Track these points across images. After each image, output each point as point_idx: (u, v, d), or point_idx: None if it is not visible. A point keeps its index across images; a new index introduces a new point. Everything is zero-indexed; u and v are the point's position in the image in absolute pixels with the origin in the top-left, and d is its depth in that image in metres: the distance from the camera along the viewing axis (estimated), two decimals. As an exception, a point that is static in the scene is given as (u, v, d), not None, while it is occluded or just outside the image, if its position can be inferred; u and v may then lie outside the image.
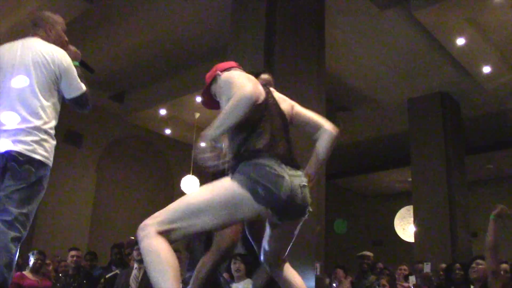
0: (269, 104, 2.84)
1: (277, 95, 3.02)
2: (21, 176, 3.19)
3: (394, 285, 7.37)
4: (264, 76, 3.49)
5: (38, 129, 3.29)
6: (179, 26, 9.50)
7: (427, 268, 6.85)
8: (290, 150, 2.80)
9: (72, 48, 3.74)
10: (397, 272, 7.82)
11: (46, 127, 3.33)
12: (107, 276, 7.60)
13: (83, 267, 8.36)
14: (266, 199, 2.53)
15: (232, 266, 6.03)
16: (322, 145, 3.06)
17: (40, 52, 3.44)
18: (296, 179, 2.62)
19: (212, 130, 2.59)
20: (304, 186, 2.65)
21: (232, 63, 3.10)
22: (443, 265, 7.33)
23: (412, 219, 12.44)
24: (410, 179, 12.37)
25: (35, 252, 7.39)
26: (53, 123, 3.40)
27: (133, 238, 8.52)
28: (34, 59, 3.41)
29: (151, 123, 13.07)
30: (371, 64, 10.55)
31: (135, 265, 6.87)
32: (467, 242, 11.05)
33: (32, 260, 7.24)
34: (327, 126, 3.09)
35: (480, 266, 5.36)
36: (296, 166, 2.71)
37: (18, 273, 7.34)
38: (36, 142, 3.27)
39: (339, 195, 16.49)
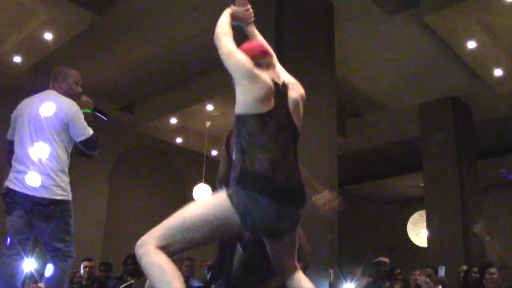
0: (278, 114, 2.78)
1: (294, 101, 2.93)
2: (51, 216, 3.84)
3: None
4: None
5: (55, 173, 3.89)
6: (188, 36, 9.52)
7: (441, 272, 6.80)
8: (293, 175, 2.74)
9: (84, 98, 4.27)
10: (411, 278, 7.76)
11: (61, 167, 3.93)
12: (121, 287, 7.61)
13: (97, 278, 8.38)
14: (251, 228, 2.58)
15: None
16: None
17: (51, 103, 4.03)
18: (292, 208, 2.66)
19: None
20: (296, 208, 2.69)
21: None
22: (464, 267, 7.28)
23: (425, 224, 12.38)
24: (422, 185, 12.32)
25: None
26: (66, 164, 3.98)
27: None
28: (45, 111, 4.01)
29: (161, 133, 13.08)
30: (381, 70, 10.52)
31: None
32: (481, 247, 10.97)
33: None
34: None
35: (494, 276, 5.38)
36: (297, 194, 2.70)
37: (34, 285, 7.35)
38: (55, 185, 3.87)
39: (351, 202, 16.42)
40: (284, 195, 2.62)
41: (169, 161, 13.99)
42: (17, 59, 10.07)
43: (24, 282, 7.38)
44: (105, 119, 4.46)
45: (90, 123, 4.06)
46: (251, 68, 2.73)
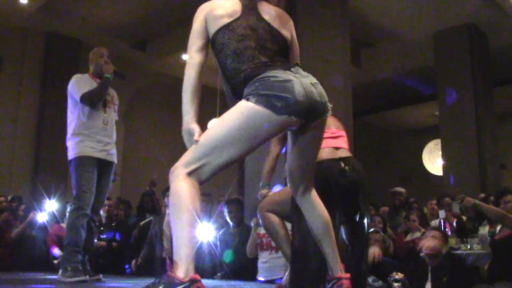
0: (250, 19, 2.78)
1: (272, 11, 2.89)
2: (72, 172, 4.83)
3: (424, 219, 7.38)
4: None
5: (68, 138, 4.88)
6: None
7: (455, 208, 6.84)
8: (287, 59, 2.79)
9: (106, 66, 5.01)
10: (427, 207, 7.81)
11: (69, 134, 4.85)
12: (141, 224, 7.76)
13: (116, 216, 8.54)
14: (285, 108, 2.47)
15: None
16: None
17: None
18: (304, 79, 2.57)
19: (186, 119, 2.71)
20: (315, 83, 2.60)
21: None
22: (482, 195, 7.32)
23: (440, 152, 12.42)
24: (437, 113, 12.27)
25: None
26: (73, 128, 4.83)
27: (155, 177, 8.67)
28: None
29: (174, 69, 13.03)
30: (395, -2, 10.34)
31: (167, 211, 6.97)
32: (496, 174, 11.02)
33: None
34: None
35: (509, 204, 5.44)
36: (298, 68, 2.64)
37: (57, 225, 7.54)
38: (69, 146, 4.85)
39: (367, 132, 16.45)
40: (286, 66, 2.63)
41: (174, 103, 13.98)
42: (23, 0, 10.00)
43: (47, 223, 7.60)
44: (123, 79, 5.20)
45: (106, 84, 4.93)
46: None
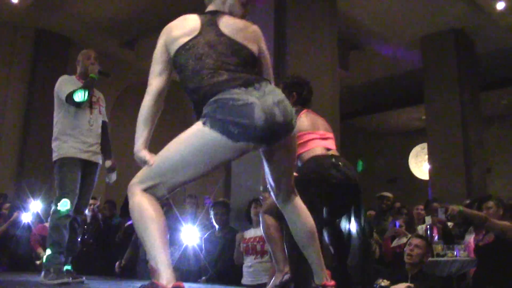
0: (208, 36, 2.68)
1: (234, 24, 2.77)
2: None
3: (412, 225, 7.38)
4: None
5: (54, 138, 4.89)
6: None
7: (440, 213, 6.86)
8: (252, 73, 2.65)
9: (91, 66, 5.03)
10: (414, 212, 7.81)
11: (54, 135, 4.88)
12: (126, 225, 7.72)
13: (103, 215, 8.50)
14: (242, 134, 2.39)
15: (252, 211, 6.08)
16: None
17: None
18: (268, 97, 2.44)
19: (136, 147, 2.72)
20: (280, 101, 2.47)
21: None
22: (467, 201, 7.34)
23: (426, 156, 12.45)
24: (424, 117, 12.32)
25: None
26: (58, 129, 4.86)
27: None
28: None
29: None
30: (383, 2, 10.36)
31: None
32: (482, 178, 11.07)
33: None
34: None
35: (491, 210, 5.49)
36: (262, 83, 2.53)
37: (41, 225, 7.50)
38: (54, 147, 4.85)
39: (354, 135, 16.49)
40: (248, 81, 2.52)
41: (173, 98, 13.87)
42: (15, -3, 9.96)
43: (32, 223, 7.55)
44: (108, 77, 5.29)
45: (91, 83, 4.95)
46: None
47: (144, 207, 2.43)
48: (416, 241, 4.92)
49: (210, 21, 2.75)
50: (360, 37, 11.84)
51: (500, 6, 9.82)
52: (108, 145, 5.25)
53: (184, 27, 2.74)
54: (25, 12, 10.61)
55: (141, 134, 2.74)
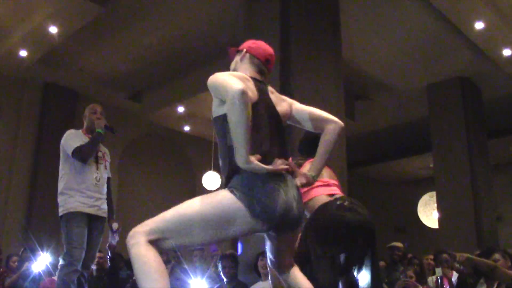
0: (262, 105, 2.70)
1: (275, 95, 2.89)
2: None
3: (423, 275, 7.26)
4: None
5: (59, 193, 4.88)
6: (193, 24, 9.50)
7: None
8: (285, 155, 2.72)
9: (97, 121, 5.04)
10: (424, 263, 7.69)
11: (60, 190, 4.86)
12: (134, 278, 7.63)
13: (112, 267, 8.42)
14: (262, 215, 2.46)
15: (259, 264, 6.01)
16: (330, 138, 2.86)
17: None
18: (290, 190, 2.57)
19: (238, 155, 2.46)
20: (299, 198, 2.62)
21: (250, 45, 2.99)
22: (477, 252, 7.23)
23: (435, 205, 12.35)
24: (432, 165, 12.28)
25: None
26: (64, 184, 4.85)
27: None
28: None
29: (169, 121, 13.10)
30: (388, 51, 10.45)
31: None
32: (492, 226, 10.95)
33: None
34: (334, 118, 2.91)
35: (498, 263, 5.42)
36: (287, 176, 2.63)
37: (49, 278, 7.43)
38: (60, 201, 4.83)
39: (361, 184, 16.40)
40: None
41: (178, 149, 14.01)
42: (23, 53, 10.14)
43: (39, 276, 7.50)
44: (114, 133, 5.24)
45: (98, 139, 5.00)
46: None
47: (151, 260, 2.38)
48: None
49: (263, 88, 2.80)
50: (365, 86, 11.91)
51: (507, 53, 9.87)
52: (111, 204, 5.24)
53: (249, 87, 2.65)
54: (33, 66, 10.75)
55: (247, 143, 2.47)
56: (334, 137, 2.86)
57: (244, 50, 2.96)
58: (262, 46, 2.99)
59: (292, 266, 2.93)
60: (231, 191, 2.49)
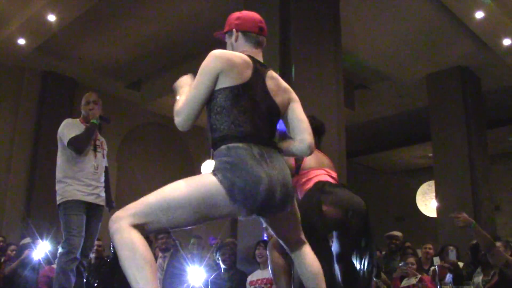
0: (253, 88, 2.65)
1: (275, 82, 2.79)
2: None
3: (420, 264, 7.26)
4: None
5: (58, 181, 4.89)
6: (193, 13, 9.45)
7: (452, 255, 6.75)
8: (272, 137, 2.68)
9: (91, 112, 5.03)
10: (422, 251, 7.68)
11: (58, 178, 4.88)
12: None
13: (107, 257, 8.42)
14: (242, 201, 2.42)
15: (256, 252, 6.03)
16: (287, 150, 2.81)
17: None
18: (274, 173, 2.49)
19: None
20: (284, 184, 2.53)
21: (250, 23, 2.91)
22: (474, 242, 7.27)
23: (434, 194, 12.37)
24: (431, 155, 12.28)
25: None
26: (62, 172, 4.87)
27: None
28: None
29: (169, 109, 13.01)
30: (388, 41, 10.42)
31: (160, 254, 6.90)
32: (491, 216, 10.97)
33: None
34: (307, 140, 2.80)
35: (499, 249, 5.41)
36: (273, 155, 2.58)
37: (48, 266, 7.44)
38: (58, 189, 4.85)
39: (361, 173, 16.43)
40: (265, 143, 2.58)
41: (177, 138, 13.98)
42: (21, 41, 10.12)
43: (39, 264, 7.51)
44: (108, 123, 5.25)
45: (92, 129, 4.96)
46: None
47: (137, 245, 2.30)
48: None
49: (260, 70, 2.73)
50: (365, 75, 11.88)
51: (507, 43, 9.84)
52: (109, 192, 5.25)
53: (240, 66, 2.65)
54: (32, 54, 10.73)
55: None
56: (290, 153, 2.83)
57: (234, 30, 2.89)
58: (247, 17, 2.91)
59: (302, 243, 2.88)
60: (214, 174, 2.46)
